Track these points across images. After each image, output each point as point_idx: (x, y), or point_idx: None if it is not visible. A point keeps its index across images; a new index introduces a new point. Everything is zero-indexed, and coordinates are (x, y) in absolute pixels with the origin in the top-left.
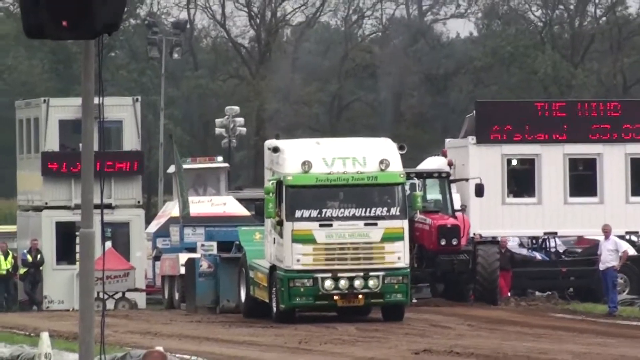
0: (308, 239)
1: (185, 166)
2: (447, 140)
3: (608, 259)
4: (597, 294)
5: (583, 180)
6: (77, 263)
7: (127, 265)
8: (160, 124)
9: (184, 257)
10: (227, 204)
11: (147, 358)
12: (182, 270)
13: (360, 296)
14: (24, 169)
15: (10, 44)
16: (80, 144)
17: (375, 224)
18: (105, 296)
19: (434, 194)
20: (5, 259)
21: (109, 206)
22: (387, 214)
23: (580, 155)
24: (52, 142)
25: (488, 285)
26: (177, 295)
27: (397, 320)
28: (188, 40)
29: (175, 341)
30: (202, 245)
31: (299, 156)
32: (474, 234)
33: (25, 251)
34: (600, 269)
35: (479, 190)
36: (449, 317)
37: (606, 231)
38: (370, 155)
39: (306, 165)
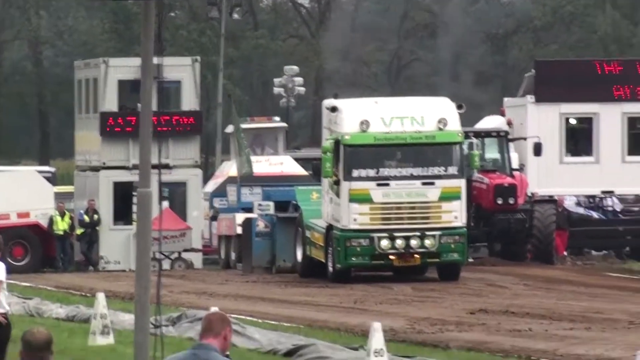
0: (365, 199)
1: (243, 126)
2: (505, 99)
3: None
4: None
5: None
6: (134, 223)
7: (183, 225)
8: (219, 84)
9: (240, 217)
10: (285, 164)
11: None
12: (239, 230)
13: (416, 255)
14: (82, 129)
15: (71, 4)
16: (139, 104)
17: (433, 184)
18: (162, 256)
19: (492, 153)
20: (62, 219)
21: (167, 166)
22: (445, 173)
23: (639, 114)
24: (111, 102)
25: (544, 244)
26: (233, 256)
27: (453, 280)
28: (248, 0)
29: (231, 301)
30: (259, 205)
31: (357, 115)
32: (531, 193)
33: (82, 211)
34: None
35: (537, 149)
36: (505, 276)
37: None
38: (429, 114)
39: (364, 124)
